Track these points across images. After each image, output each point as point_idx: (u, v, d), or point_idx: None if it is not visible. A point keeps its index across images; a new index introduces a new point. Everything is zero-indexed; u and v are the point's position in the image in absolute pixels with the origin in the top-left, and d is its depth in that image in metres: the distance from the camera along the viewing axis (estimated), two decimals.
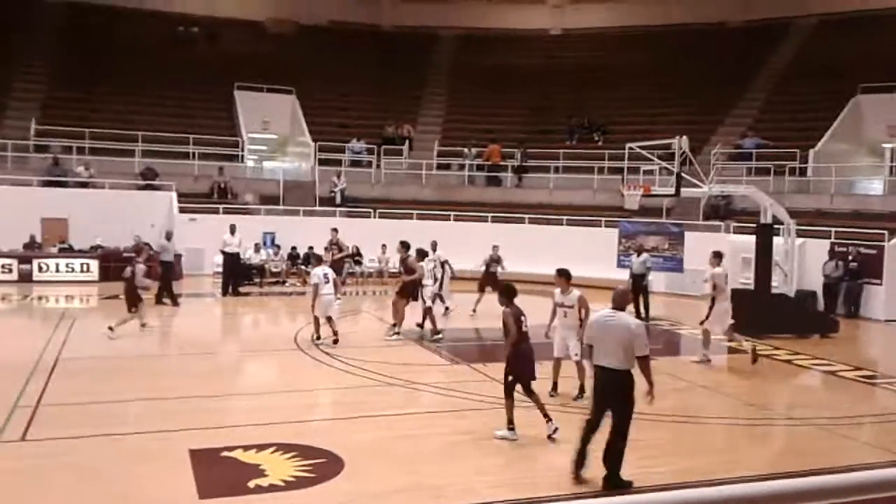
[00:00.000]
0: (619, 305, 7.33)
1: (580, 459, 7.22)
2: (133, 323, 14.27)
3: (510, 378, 8.49)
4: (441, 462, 7.85)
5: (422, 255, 15.11)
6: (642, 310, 17.75)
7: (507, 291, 8.63)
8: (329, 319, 13.57)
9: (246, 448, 7.87)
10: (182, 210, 23.12)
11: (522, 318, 8.45)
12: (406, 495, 6.93)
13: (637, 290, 17.49)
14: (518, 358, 8.39)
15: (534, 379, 8.58)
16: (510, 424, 8.53)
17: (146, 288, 14.77)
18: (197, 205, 23.62)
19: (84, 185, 23.58)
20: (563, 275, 10.26)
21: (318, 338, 13.63)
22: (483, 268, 17.96)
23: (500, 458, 8.06)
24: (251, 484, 7.02)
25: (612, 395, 7.09)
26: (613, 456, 7.05)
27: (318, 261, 15.16)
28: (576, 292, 10.20)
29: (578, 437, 7.28)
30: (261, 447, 7.91)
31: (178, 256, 21.06)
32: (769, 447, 9.24)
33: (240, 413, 9.62)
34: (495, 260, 18.02)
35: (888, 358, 15.67)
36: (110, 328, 13.81)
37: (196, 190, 25.24)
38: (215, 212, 23.36)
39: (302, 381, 11.33)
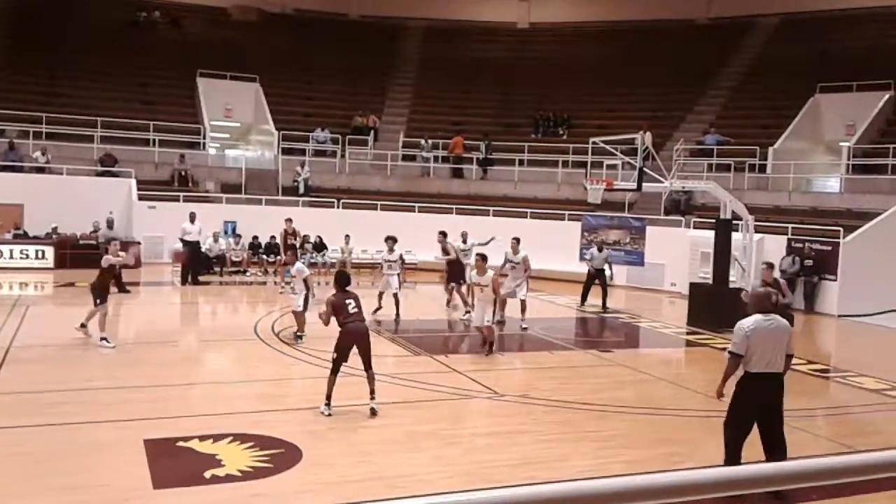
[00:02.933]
0: (768, 308, 7.06)
1: None
2: (86, 311, 13.95)
3: (334, 355, 9.00)
4: (399, 452, 7.85)
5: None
6: (603, 303, 18.03)
7: (337, 279, 9.41)
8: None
9: (202, 438, 7.79)
10: (141, 197, 22.75)
11: (348, 301, 9.00)
12: (363, 485, 6.91)
13: (592, 282, 18.25)
14: (340, 336, 9.01)
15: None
16: (327, 400, 8.92)
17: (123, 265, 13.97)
18: (157, 192, 23.26)
19: (41, 170, 23.10)
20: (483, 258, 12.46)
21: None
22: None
23: (458, 449, 8.08)
24: (207, 474, 6.95)
25: (779, 397, 6.94)
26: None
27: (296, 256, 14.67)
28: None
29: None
30: (217, 437, 7.84)
31: (136, 244, 20.75)
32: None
33: (197, 403, 9.51)
34: (444, 249, 17.34)
35: (840, 352, 16.02)
36: (83, 324, 12.77)
37: (156, 177, 24.86)
38: (175, 200, 23.02)
39: (261, 372, 11.23)
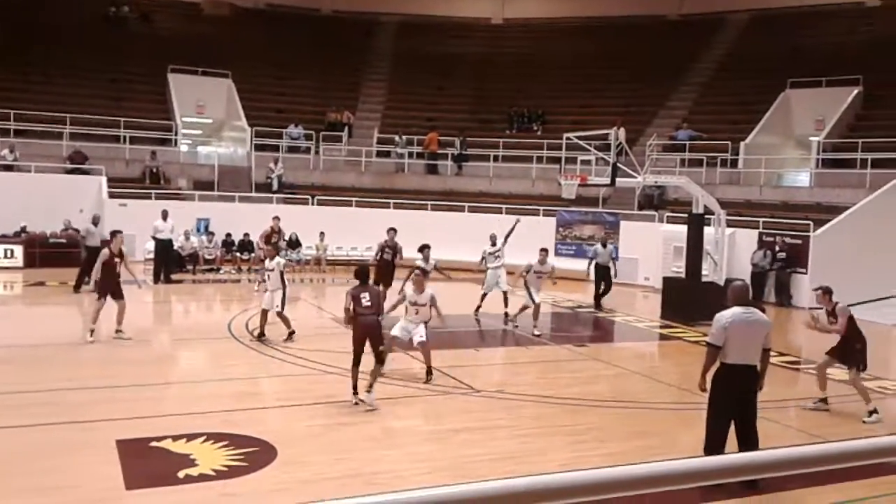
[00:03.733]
0: (747, 301, 7.17)
1: None
2: (63, 310, 13.80)
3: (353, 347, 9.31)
4: (375, 449, 7.82)
5: None
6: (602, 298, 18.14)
7: (357, 273, 9.71)
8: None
9: (175, 438, 7.71)
10: (112, 195, 22.43)
11: (363, 295, 9.30)
12: (339, 482, 6.88)
13: (601, 279, 18.05)
14: (353, 329, 9.36)
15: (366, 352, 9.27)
16: (353, 390, 9.24)
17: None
18: (128, 190, 22.95)
19: (8, 168, 22.70)
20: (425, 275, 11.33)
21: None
22: (378, 255, 16.01)
23: (435, 445, 8.08)
24: (181, 474, 6.88)
25: (750, 391, 7.02)
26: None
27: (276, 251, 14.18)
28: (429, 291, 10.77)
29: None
30: (191, 437, 7.76)
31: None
32: (700, 431, 9.44)
33: (170, 402, 9.41)
34: (391, 247, 15.87)
35: (811, 344, 16.17)
36: (92, 331, 12.46)
37: (127, 174, 24.54)
38: (147, 197, 22.75)
39: (235, 370, 11.14)
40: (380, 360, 9.33)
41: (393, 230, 16.12)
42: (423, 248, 14.78)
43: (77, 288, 17.27)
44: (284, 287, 12.81)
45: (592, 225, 22.98)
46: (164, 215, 19.77)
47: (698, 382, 7.32)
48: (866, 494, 6.88)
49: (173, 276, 19.76)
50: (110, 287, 12.67)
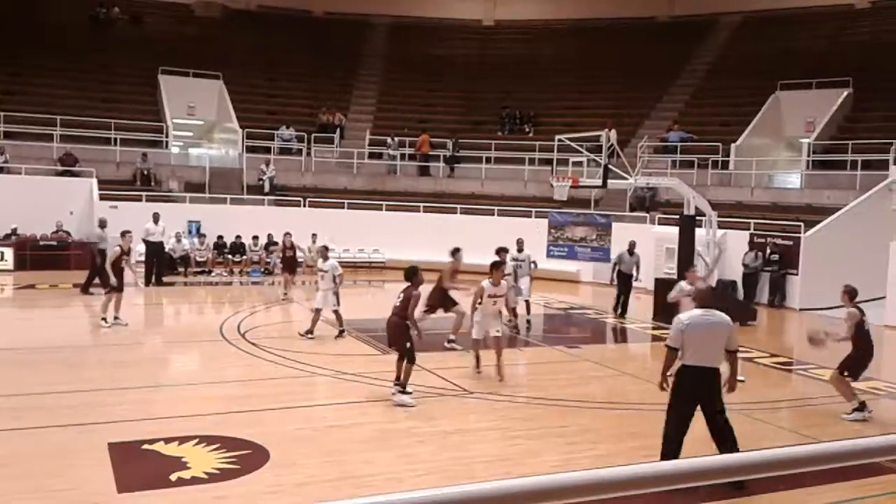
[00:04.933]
0: (710, 304, 7.14)
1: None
2: (54, 312, 13.78)
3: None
4: (369, 451, 7.81)
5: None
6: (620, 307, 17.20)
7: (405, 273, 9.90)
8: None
9: (167, 440, 7.68)
10: (103, 197, 22.35)
11: (398, 294, 9.65)
12: (332, 485, 6.86)
13: (623, 286, 17.03)
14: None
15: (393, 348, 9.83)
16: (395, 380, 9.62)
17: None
18: (119, 192, 22.88)
19: None
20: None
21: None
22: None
23: (429, 447, 8.06)
24: (173, 477, 6.85)
25: (711, 391, 7.01)
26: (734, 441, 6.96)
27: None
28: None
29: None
30: (183, 439, 7.73)
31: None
32: (689, 432, 9.47)
33: (161, 405, 9.37)
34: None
35: (803, 345, 16.26)
36: (104, 319, 13.79)
37: (118, 177, 24.46)
38: (138, 199, 22.68)
39: (227, 373, 11.11)
40: (409, 358, 9.47)
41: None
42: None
43: (86, 290, 17.27)
44: (336, 284, 13.26)
45: (584, 226, 23.03)
46: (156, 218, 19.69)
47: (658, 382, 7.37)
48: (857, 495, 6.91)
49: (165, 279, 19.69)
50: (118, 281, 13.87)
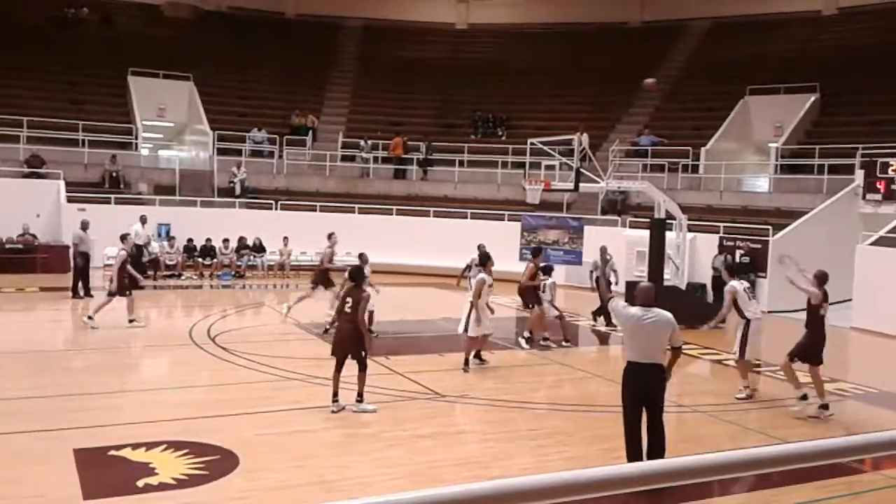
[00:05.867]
0: (650, 302, 7.25)
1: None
2: (20, 316, 13.57)
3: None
4: (339, 456, 7.77)
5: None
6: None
7: (350, 273, 9.61)
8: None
9: (135, 446, 7.58)
10: (71, 199, 22.03)
11: (346, 299, 9.18)
12: (302, 490, 6.82)
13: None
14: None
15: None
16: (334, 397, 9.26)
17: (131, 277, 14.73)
18: (87, 194, 22.55)
19: None
20: None
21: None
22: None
23: (400, 450, 8.04)
24: (140, 483, 6.76)
25: (656, 387, 7.15)
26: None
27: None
28: None
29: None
30: (150, 445, 7.63)
31: (66, 248, 20.16)
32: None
33: (129, 411, 9.24)
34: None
35: (770, 347, 16.44)
36: (130, 321, 14.29)
37: (86, 179, 24.10)
38: (107, 202, 22.39)
39: (196, 377, 10.99)
40: (363, 366, 9.16)
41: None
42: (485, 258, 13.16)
43: (75, 293, 17.19)
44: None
45: (557, 230, 23.11)
46: (143, 220, 19.99)
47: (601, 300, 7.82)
48: (821, 496, 6.99)
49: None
50: (129, 283, 14.43)
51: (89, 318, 14.03)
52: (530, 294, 13.91)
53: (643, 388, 7.13)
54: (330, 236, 15.89)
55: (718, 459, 2.31)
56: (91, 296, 17.07)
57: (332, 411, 9.06)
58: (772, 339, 17.50)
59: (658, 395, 7.16)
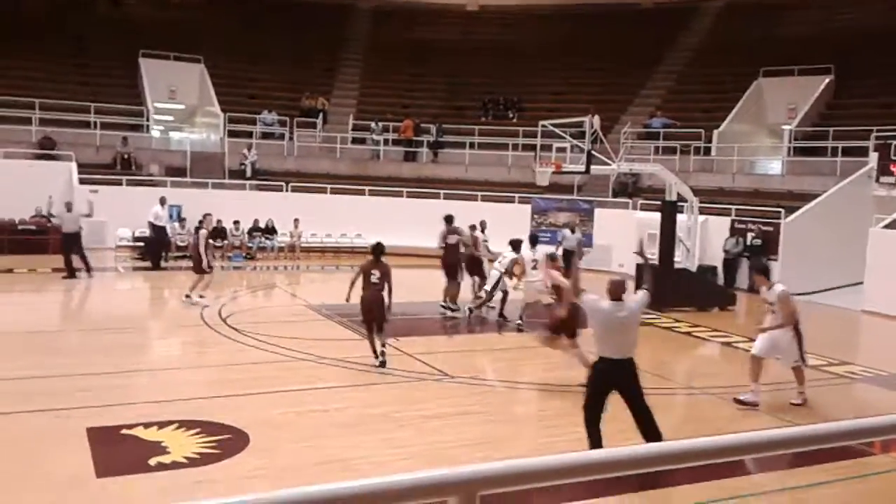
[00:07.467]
0: (619, 295, 7.11)
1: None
2: (33, 297, 13.68)
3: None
4: (350, 436, 7.82)
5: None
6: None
7: (373, 249, 10.82)
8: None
9: (147, 425, 7.65)
10: (83, 181, 22.10)
11: (373, 271, 10.35)
12: (315, 469, 6.87)
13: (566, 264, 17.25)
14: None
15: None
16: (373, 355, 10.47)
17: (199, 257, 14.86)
18: (99, 176, 22.64)
19: None
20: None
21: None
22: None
23: (411, 431, 8.08)
24: (152, 461, 6.83)
25: (629, 379, 6.98)
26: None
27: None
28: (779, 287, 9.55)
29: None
30: (162, 424, 7.70)
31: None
32: (669, 415, 9.55)
33: (141, 390, 9.33)
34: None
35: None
36: (187, 296, 14.53)
37: (98, 160, 24.19)
38: (118, 183, 22.48)
39: (207, 357, 11.07)
40: (380, 328, 10.44)
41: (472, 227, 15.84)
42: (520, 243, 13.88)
43: (71, 274, 17.15)
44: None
45: (568, 212, 23.05)
46: (163, 202, 20.07)
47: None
48: (828, 478, 6.99)
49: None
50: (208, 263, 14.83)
51: (187, 296, 14.51)
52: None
53: (614, 385, 6.97)
54: (480, 225, 15.77)
55: (728, 441, 2.31)
56: (75, 277, 17.01)
57: (375, 366, 10.24)
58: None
59: (632, 386, 6.96)
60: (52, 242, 20.69)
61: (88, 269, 17.38)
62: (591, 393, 7.09)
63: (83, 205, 17.95)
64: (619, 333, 6.97)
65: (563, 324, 9.54)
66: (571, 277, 7.81)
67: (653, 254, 18.08)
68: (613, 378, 6.98)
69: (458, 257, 14.96)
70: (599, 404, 7.00)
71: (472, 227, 15.67)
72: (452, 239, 15.01)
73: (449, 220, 15.24)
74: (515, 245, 13.82)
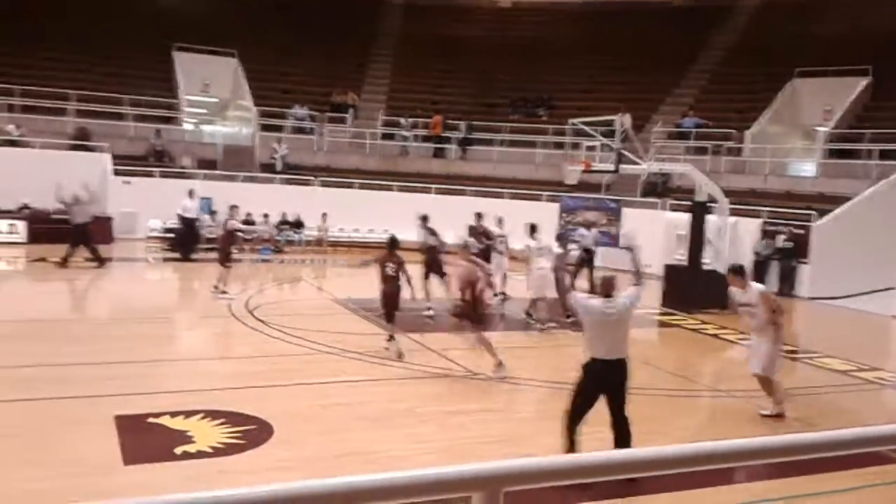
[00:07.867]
0: (610, 292, 7.04)
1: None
2: (61, 285, 13.90)
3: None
4: (373, 429, 7.86)
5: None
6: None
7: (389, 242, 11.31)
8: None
9: (173, 414, 7.75)
10: (117, 172, 22.46)
11: (388, 264, 10.77)
12: (338, 461, 6.92)
13: (585, 263, 17.15)
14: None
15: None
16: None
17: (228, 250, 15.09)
18: (132, 167, 22.96)
19: (13, 143, 22.71)
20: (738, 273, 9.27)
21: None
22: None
23: (434, 426, 8.11)
24: (178, 450, 6.92)
25: (621, 382, 6.87)
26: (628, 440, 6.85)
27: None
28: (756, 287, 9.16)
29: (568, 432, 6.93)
30: (188, 414, 7.80)
31: (109, 219, 20.69)
32: (692, 418, 9.50)
33: (168, 379, 9.45)
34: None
35: (809, 334, 16.22)
36: (215, 287, 14.58)
37: (131, 152, 24.52)
38: (151, 175, 22.77)
39: (234, 349, 11.19)
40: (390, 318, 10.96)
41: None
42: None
43: (100, 262, 17.40)
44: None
45: (595, 211, 22.94)
46: (192, 194, 20.28)
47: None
48: (857, 484, 6.90)
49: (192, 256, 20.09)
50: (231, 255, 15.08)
51: (215, 287, 14.65)
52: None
53: (605, 386, 6.85)
54: (498, 221, 16.47)
55: (755, 444, 2.29)
56: (67, 265, 17.05)
57: (385, 348, 10.84)
58: (813, 326, 17.26)
59: (621, 387, 6.86)
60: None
61: (99, 260, 17.56)
62: (579, 395, 6.91)
63: (83, 192, 18.00)
64: (611, 331, 6.88)
65: (466, 310, 10.16)
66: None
67: (681, 254, 18.00)
68: (606, 380, 6.86)
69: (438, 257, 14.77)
70: (586, 407, 6.88)
71: (478, 216, 16.53)
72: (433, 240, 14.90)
73: (425, 219, 15.13)
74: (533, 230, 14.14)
